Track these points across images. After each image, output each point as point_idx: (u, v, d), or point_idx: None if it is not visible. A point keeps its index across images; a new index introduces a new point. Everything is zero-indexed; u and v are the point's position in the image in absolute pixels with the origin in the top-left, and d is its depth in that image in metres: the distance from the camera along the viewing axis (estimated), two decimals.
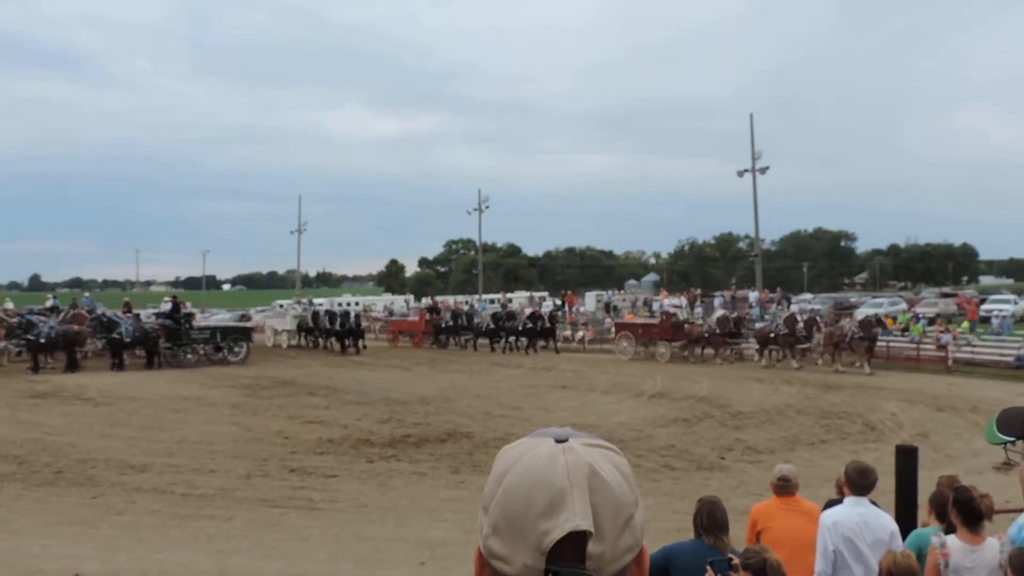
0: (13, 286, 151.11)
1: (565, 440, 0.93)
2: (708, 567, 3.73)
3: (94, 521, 9.89)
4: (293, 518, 10.06)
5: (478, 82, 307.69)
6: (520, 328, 34.13)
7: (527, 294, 65.07)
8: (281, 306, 63.34)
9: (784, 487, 5.32)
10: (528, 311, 36.62)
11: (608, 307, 47.92)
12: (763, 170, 39.34)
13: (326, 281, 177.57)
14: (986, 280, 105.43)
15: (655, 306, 42.89)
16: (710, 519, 4.38)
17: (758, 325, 29.49)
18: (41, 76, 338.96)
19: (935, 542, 4.18)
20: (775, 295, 39.77)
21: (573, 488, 0.87)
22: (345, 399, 20.12)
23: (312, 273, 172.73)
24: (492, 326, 35.10)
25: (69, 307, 31.40)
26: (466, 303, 52.62)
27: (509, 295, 59.78)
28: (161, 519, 9.95)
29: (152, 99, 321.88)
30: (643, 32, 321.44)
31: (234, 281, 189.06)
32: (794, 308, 34.16)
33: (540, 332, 34.04)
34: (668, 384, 22.32)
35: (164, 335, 28.08)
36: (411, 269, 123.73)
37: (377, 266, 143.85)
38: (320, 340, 35.75)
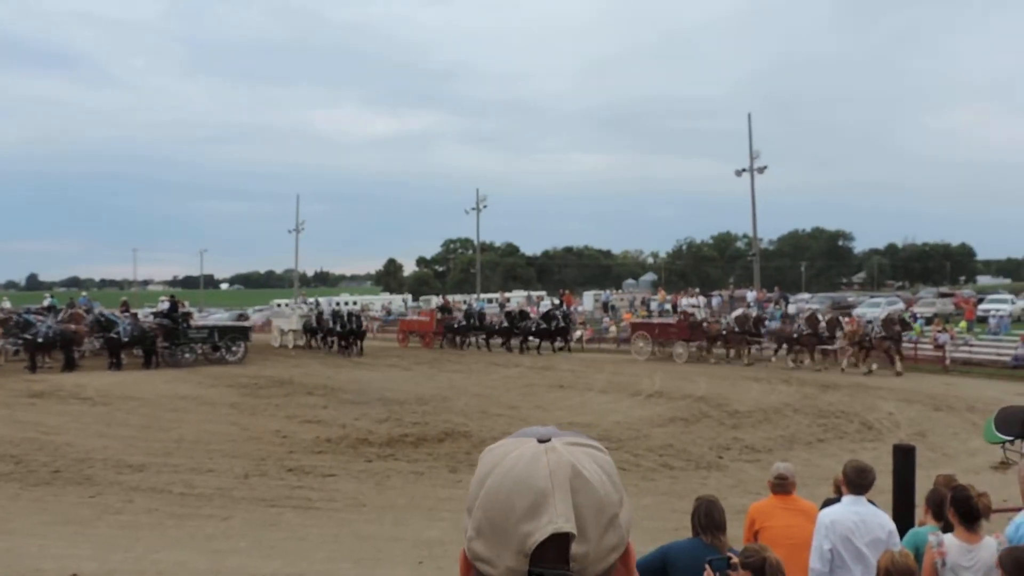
0: (10, 285, 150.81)
1: (547, 440, 0.92)
2: (707, 566, 3.74)
3: (92, 521, 9.88)
4: (291, 517, 10.06)
5: (476, 81, 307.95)
6: (534, 328, 33.56)
7: (525, 293, 65.06)
8: (281, 305, 63.35)
9: (782, 486, 5.33)
10: (542, 310, 35.86)
11: (606, 307, 47.98)
12: (761, 170, 39.34)
13: (324, 280, 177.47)
14: (983, 280, 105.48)
15: (652, 305, 42.92)
16: (708, 518, 4.38)
17: (776, 324, 28.73)
18: (37, 75, 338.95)
19: (932, 541, 4.18)
20: (773, 294, 39.77)
21: (555, 489, 0.86)
22: (343, 399, 20.12)
23: (310, 272, 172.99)
24: (505, 325, 34.56)
25: (66, 306, 31.36)
26: (464, 302, 52.61)
27: (507, 294, 59.77)
28: (159, 518, 9.95)
29: (149, 98, 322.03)
30: (641, 31, 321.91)
31: (232, 280, 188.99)
32: (792, 308, 34.12)
33: (555, 331, 33.40)
34: (666, 383, 22.33)
35: (162, 334, 28.07)
36: (409, 268, 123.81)
37: (375, 265, 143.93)
38: (323, 341, 35.20)
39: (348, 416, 17.37)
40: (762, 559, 3.70)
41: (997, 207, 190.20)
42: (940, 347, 26.58)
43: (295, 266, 70.50)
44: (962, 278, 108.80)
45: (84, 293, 43.60)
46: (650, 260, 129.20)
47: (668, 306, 41.84)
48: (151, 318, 30.52)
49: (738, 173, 39.90)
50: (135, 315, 29.93)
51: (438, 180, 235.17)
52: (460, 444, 14.37)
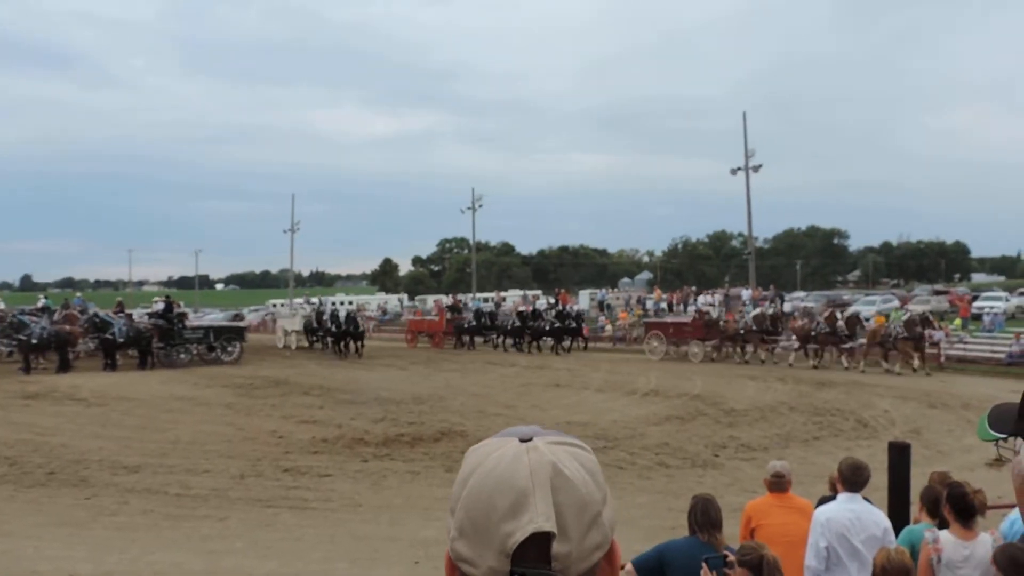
0: (4, 286, 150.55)
1: (529, 439, 0.92)
2: (704, 564, 3.74)
3: (87, 522, 9.86)
4: (287, 518, 10.05)
5: (475, 81, 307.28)
6: (548, 327, 33.04)
7: (521, 293, 65.08)
8: (277, 305, 63.24)
9: (778, 483, 5.34)
10: (555, 308, 35.18)
11: (602, 305, 47.98)
12: (756, 168, 39.39)
13: (320, 280, 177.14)
14: (978, 278, 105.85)
15: (648, 304, 42.94)
16: (704, 516, 4.39)
17: (797, 324, 27.97)
18: (34, 74, 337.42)
19: (928, 537, 4.19)
20: (768, 293, 39.83)
21: (536, 488, 0.86)
22: (339, 398, 20.09)
23: (306, 272, 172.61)
24: (517, 324, 34.09)
25: (61, 307, 31.28)
26: (459, 302, 52.55)
27: (503, 294, 59.78)
28: (154, 519, 9.93)
29: (148, 98, 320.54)
30: (640, 32, 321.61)
31: (227, 281, 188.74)
32: (787, 306, 34.15)
33: (568, 331, 32.80)
34: (662, 382, 22.35)
35: (157, 335, 28.02)
36: (405, 268, 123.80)
37: (371, 265, 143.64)
38: (321, 341, 34.50)
39: (344, 416, 17.35)
40: (759, 557, 3.71)
41: (991, 205, 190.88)
42: (935, 344, 26.63)
43: (290, 266, 70.50)
44: (957, 276, 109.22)
45: (79, 294, 43.49)
46: (646, 259, 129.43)
47: (664, 305, 41.89)
48: (146, 319, 30.46)
49: (733, 172, 39.96)
50: (130, 316, 29.85)
51: (436, 180, 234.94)
52: (456, 444, 14.35)
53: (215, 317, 48.12)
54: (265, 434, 15.42)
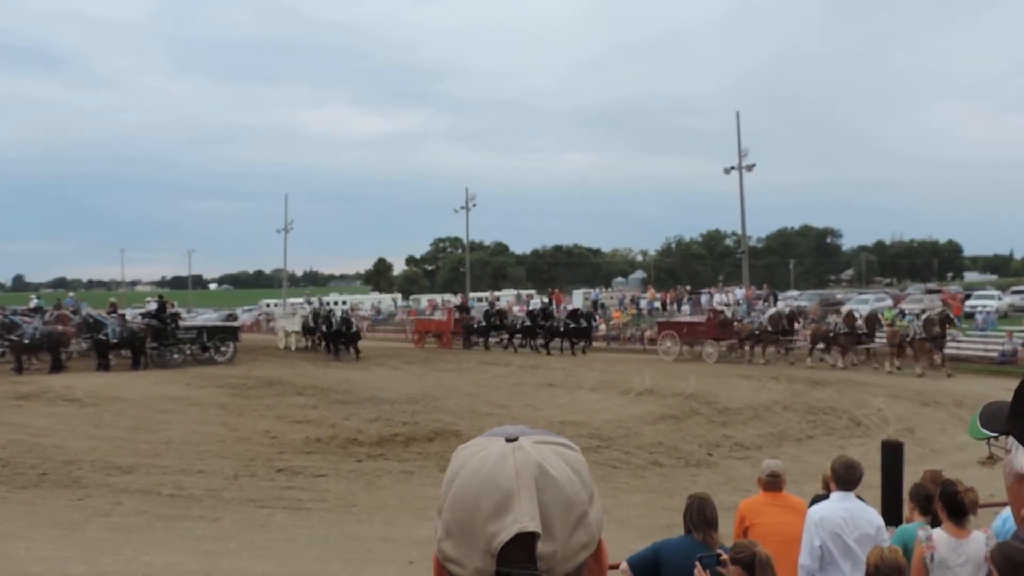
0: None
1: (516, 439, 0.92)
2: (697, 562, 3.75)
3: (80, 523, 9.83)
4: (281, 518, 10.03)
5: (465, 80, 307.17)
6: (562, 328, 32.33)
7: (514, 292, 65.05)
8: (271, 305, 63.11)
9: (774, 483, 5.35)
10: (568, 308, 34.63)
11: (596, 305, 47.99)
12: (749, 167, 39.46)
13: (313, 280, 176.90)
14: (970, 276, 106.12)
15: (642, 303, 42.99)
16: (700, 515, 4.40)
17: (813, 324, 27.64)
18: (24, 74, 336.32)
19: (921, 535, 4.20)
20: (762, 292, 39.90)
21: (521, 488, 0.86)
22: (333, 398, 20.07)
23: (299, 272, 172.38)
24: (528, 324, 33.62)
25: (53, 307, 31.16)
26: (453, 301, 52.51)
27: (496, 293, 59.76)
28: (148, 520, 9.90)
29: (138, 98, 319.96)
30: (631, 30, 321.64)
31: (220, 280, 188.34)
32: (780, 305, 34.20)
33: (582, 332, 32.15)
34: (656, 381, 22.37)
35: (150, 335, 27.93)
36: (399, 268, 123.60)
37: (364, 265, 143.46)
38: (316, 342, 34.16)
39: (338, 416, 17.34)
40: (752, 554, 3.72)
41: (984, 204, 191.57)
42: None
43: (284, 266, 70.33)
44: (949, 274, 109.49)
45: (71, 294, 43.28)
46: (639, 258, 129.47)
47: (658, 304, 41.94)
48: (139, 319, 30.36)
49: (726, 171, 40.01)
50: (123, 316, 29.75)
51: (428, 179, 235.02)
52: (450, 443, 14.33)
53: (208, 317, 47.98)
54: (259, 434, 15.39)
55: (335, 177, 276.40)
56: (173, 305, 32.50)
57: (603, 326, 39.38)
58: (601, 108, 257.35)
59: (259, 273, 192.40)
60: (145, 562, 8.39)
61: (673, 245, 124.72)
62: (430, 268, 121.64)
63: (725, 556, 3.79)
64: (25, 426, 16.16)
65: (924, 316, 24.75)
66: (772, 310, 29.42)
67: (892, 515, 5.64)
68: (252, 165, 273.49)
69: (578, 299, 52.28)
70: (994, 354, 25.50)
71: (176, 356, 28.78)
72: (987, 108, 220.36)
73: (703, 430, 15.60)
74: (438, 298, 60.51)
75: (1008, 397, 1.57)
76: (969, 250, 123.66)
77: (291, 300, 55.88)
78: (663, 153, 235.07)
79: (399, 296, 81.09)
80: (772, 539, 4.69)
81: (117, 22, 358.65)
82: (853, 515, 4.73)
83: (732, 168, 39.79)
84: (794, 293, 55.17)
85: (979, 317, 32.44)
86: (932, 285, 66.56)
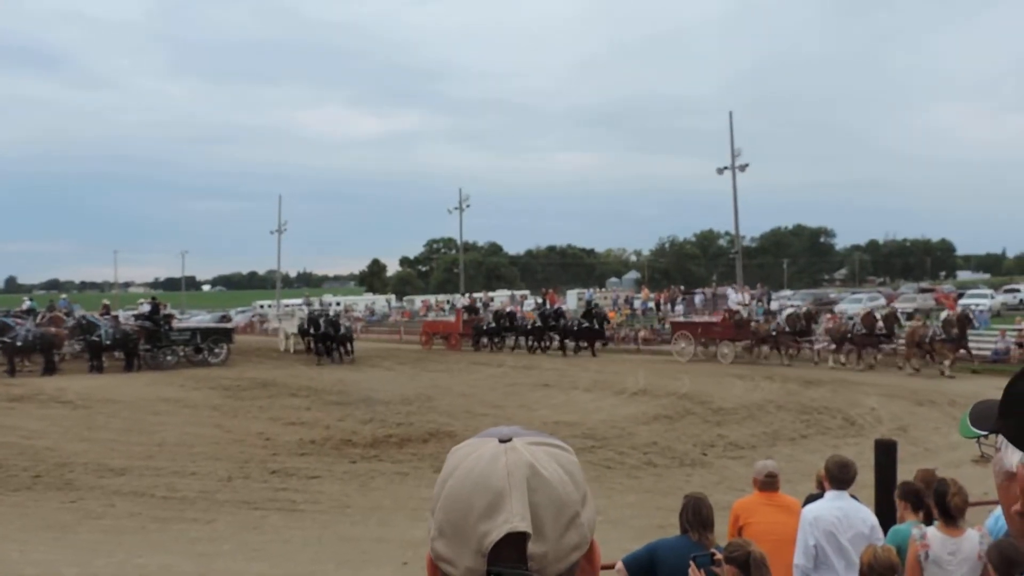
0: None
1: (509, 440, 0.93)
2: (691, 562, 3.75)
3: (73, 526, 9.80)
4: (275, 520, 10.02)
5: (464, 80, 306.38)
6: (576, 328, 31.89)
7: (508, 293, 65.10)
8: (264, 307, 62.99)
9: (770, 483, 5.36)
10: (582, 308, 34.07)
11: (589, 305, 48.02)
12: (743, 167, 39.48)
13: (307, 281, 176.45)
14: (963, 275, 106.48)
15: (636, 303, 42.99)
16: (695, 515, 4.40)
17: (830, 324, 27.16)
18: (23, 74, 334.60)
19: (915, 534, 4.22)
20: (756, 291, 39.97)
21: (512, 489, 0.86)
22: (327, 400, 20.05)
23: (293, 273, 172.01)
24: (539, 325, 33.25)
25: (46, 309, 31.07)
26: (447, 302, 52.53)
27: (491, 294, 59.76)
28: (141, 522, 9.88)
29: (133, 98, 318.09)
30: (630, 30, 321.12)
31: (214, 282, 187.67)
32: (774, 305, 34.21)
33: (596, 332, 31.69)
34: (650, 381, 22.40)
35: (143, 337, 27.87)
36: (392, 268, 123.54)
37: (359, 266, 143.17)
38: (312, 345, 33.36)
39: (332, 417, 17.32)
40: (746, 553, 3.72)
41: (977, 203, 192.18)
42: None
43: (277, 267, 70.07)
44: (942, 273, 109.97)
45: (64, 295, 43.23)
46: (633, 258, 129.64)
47: (652, 304, 41.95)
48: (132, 320, 30.29)
49: (720, 171, 40.03)
50: (116, 317, 29.69)
51: (423, 179, 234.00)
52: (445, 444, 14.31)
53: (202, 318, 47.92)
54: (253, 436, 15.37)
55: (333, 177, 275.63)
56: (166, 306, 32.48)
57: None
58: (600, 108, 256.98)
59: (253, 274, 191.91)
60: (139, 564, 8.37)
61: (667, 245, 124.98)
62: (424, 269, 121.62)
63: (719, 556, 3.80)
64: (18, 428, 16.10)
65: (943, 316, 24.44)
66: (789, 310, 29.00)
67: (886, 514, 5.65)
68: (247, 165, 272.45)
69: (572, 299, 52.36)
70: (987, 352, 25.59)
71: (169, 358, 28.74)
72: (987, 108, 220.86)
73: (697, 430, 15.62)
74: (432, 299, 60.52)
75: (999, 396, 1.57)
76: (962, 249, 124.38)
77: (290, 301, 55.76)
78: (662, 153, 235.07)
79: (393, 297, 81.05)
80: (766, 539, 4.70)
81: (116, 22, 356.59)
82: (847, 514, 4.74)
83: (725, 168, 39.82)
84: (787, 293, 55.30)
85: (972, 316, 32.53)
86: (925, 284, 66.86)
